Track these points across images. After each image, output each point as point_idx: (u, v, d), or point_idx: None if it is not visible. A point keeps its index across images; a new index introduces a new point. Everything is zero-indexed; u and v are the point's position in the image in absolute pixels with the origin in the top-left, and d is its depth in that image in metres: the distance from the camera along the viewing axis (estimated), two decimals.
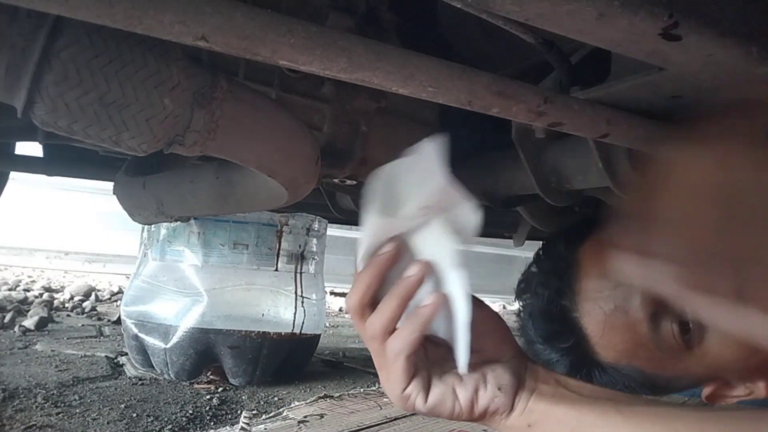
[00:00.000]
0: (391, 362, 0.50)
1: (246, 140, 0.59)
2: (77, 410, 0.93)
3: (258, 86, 0.72)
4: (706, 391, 0.72)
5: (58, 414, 0.90)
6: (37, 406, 0.93)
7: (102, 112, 0.49)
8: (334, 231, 1.73)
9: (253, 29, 0.44)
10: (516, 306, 0.88)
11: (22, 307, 2.07)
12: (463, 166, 1.03)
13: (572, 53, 0.74)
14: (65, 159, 1.29)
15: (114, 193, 1.06)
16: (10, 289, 2.53)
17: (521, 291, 0.85)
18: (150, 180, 0.92)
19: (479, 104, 0.55)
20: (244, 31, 0.43)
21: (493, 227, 1.92)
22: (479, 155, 1.02)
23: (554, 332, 0.78)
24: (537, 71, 0.79)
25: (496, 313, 0.57)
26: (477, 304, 0.52)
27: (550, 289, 0.79)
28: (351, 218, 1.54)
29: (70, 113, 0.49)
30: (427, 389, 0.51)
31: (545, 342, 0.79)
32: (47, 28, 0.46)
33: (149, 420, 0.91)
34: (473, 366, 0.51)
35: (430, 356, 0.53)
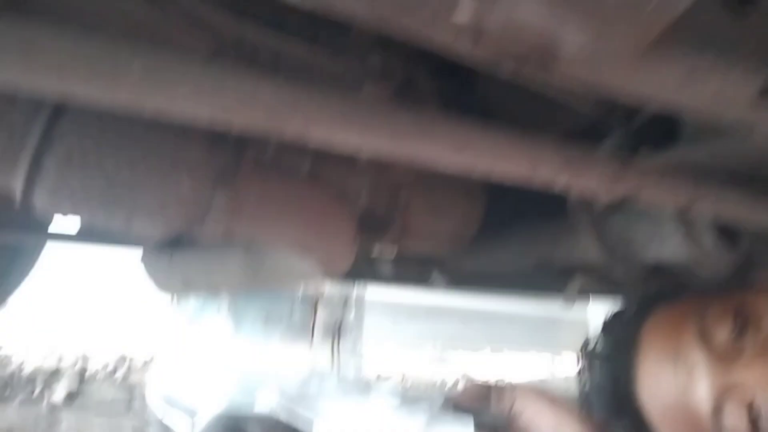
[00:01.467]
0: None
1: (274, 220, 0.53)
2: None
3: (290, 157, 0.66)
4: None
5: None
6: None
7: (110, 197, 0.43)
8: (372, 296, 1.65)
9: (281, 101, 0.37)
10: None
11: (52, 378, 2.03)
12: (516, 234, 0.95)
13: (635, 115, 0.66)
14: (98, 230, 1.26)
15: (141, 264, 1.01)
16: (44, 357, 2.51)
17: (579, 373, 0.79)
18: (176, 252, 0.87)
19: (544, 174, 0.47)
20: (271, 104, 0.37)
21: (540, 288, 1.81)
22: (532, 222, 0.93)
23: (611, 421, 0.71)
24: (588, 133, 0.71)
25: None
26: None
27: (606, 375, 0.73)
28: (395, 282, 1.47)
29: (73, 200, 0.43)
30: None
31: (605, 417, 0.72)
32: (49, 107, 0.41)
33: None
34: None
35: None
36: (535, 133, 0.48)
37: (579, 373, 0.77)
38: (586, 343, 0.78)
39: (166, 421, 1.13)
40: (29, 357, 2.48)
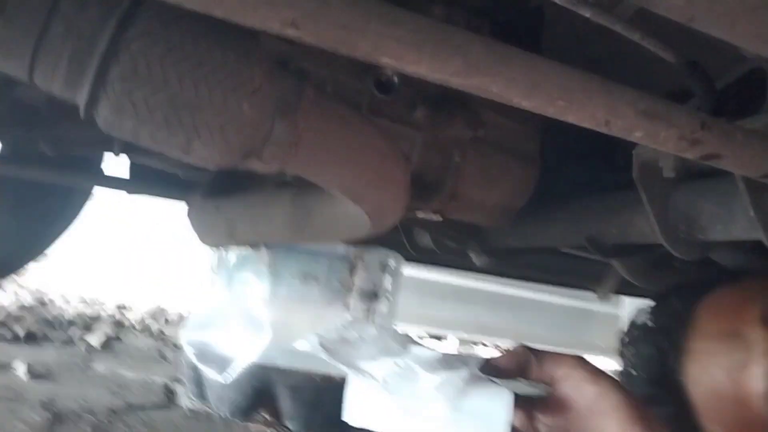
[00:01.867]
0: None
1: (332, 158, 0.51)
2: None
3: (350, 96, 0.65)
4: None
5: None
6: None
7: (172, 115, 0.43)
8: (408, 271, 1.64)
9: (352, 17, 0.36)
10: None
11: (91, 323, 2.10)
12: (567, 208, 0.92)
13: (716, 79, 0.62)
14: (150, 179, 1.27)
15: (187, 215, 1.02)
16: (84, 303, 2.59)
17: (624, 345, 0.79)
18: (224, 202, 0.87)
19: (619, 126, 0.44)
20: (341, 19, 0.35)
21: (575, 277, 1.77)
22: (587, 196, 0.90)
23: (651, 397, 0.69)
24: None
25: None
26: None
27: (654, 347, 0.72)
28: (428, 258, 1.44)
29: (137, 114, 0.42)
30: None
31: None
32: (118, 14, 0.41)
33: None
34: None
35: None
36: (615, 82, 0.45)
37: (624, 344, 0.77)
38: (636, 316, 0.78)
39: (200, 366, 1.15)
40: (70, 302, 2.57)
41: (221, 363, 1.17)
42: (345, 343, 0.54)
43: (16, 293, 2.19)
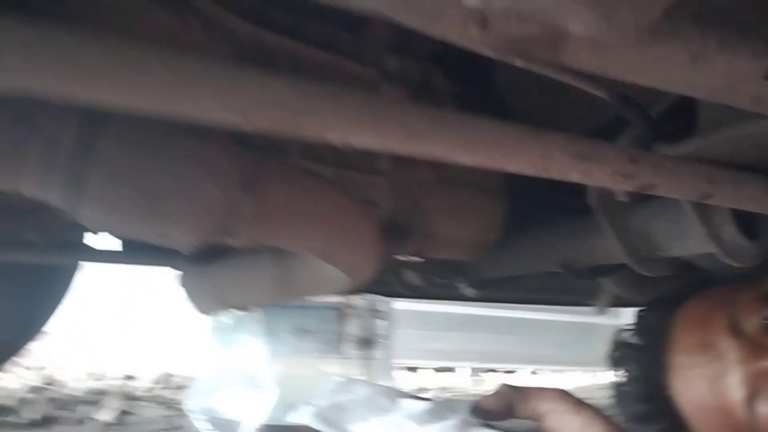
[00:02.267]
0: None
1: (300, 226, 0.55)
2: None
3: (312, 164, 0.69)
4: None
5: None
6: None
7: (146, 209, 0.46)
8: (402, 305, 1.66)
9: (298, 103, 0.40)
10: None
11: (101, 398, 2.10)
12: (535, 236, 0.95)
13: (651, 106, 0.67)
14: (139, 248, 1.30)
15: (181, 285, 1.05)
16: (88, 378, 2.58)
17: (614, 363, 0.81)
18: (210, 269, 0.90)
19: (556, 169, 0.48)
20: (289, 105, 0.39)
21: (572, 295, 1.79)
22: (553, 222, 0.93)
23: (645, 413, 0.72)
24: (607, 130, 0.72)
25: None
26: None
27: (639, 366, 0.74)
28: (422, 294, 1.47)
29: (118, 213, 0.46)
30: None
31: (638, 423, 0.72)
32: (80, 116, 0.44)
33: None
34: None
35: None
36: (546, 130, 0.49)
37: (612, 364, 0.78)
38: (619, 336, 0.80)
39: None
40: (77, 378, 2.56)
41: (230, 427, 1.18)
42: (337, 408, 0.56)
43: (22, 376, 2.19)
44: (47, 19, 0.29)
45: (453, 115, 0.45)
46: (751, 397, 0.60)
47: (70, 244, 1.27)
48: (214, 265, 0.89)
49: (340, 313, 1.18)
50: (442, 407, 0.52)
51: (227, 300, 0.90)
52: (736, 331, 0.62)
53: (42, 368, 2.56)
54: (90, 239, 1.35)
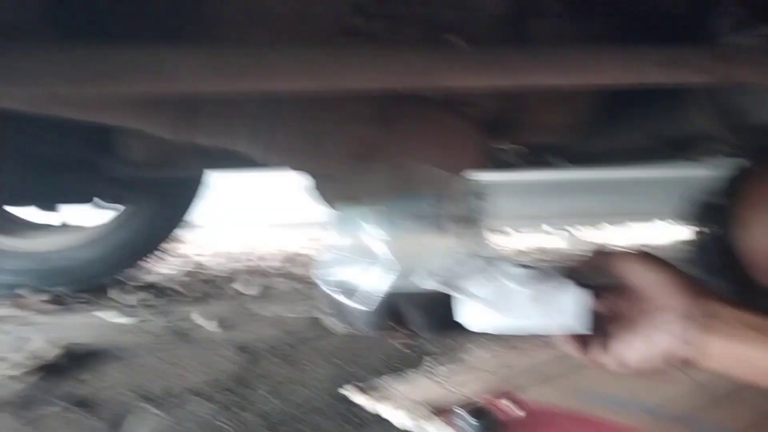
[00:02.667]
0: None
1: (420, 147, 0.70)
2: (306, 366, 1.15)
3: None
4: None
5: (293, 369, 1.13)
6: (275, 364, 1.16)
7: (312, 148, 0.63)
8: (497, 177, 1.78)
9: (426, 66, 0.52)
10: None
11: (242, 276, 2.46)
12: (628, 112, 1.03)
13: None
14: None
15: (314, 186, 1.24)
16: (236, 262, 2.99)
17: (698, 221, 0.88)
18: (339, 176, 1.07)
19: (646, 77, 0.58)
20: (419, 70, 0.52)
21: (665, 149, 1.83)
22: (646, 100, 1.00)
23: (721, 266, 0.81)
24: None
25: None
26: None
27: (721, 223, 0.82)
28: (515, 168, 1.59)
29: (289, 155, 0.62)
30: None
31: (714, 275, 0.82)
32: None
33: (355, 368, 1.11)
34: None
35: None
36: (635, 48, 0.58)
37: (697, 222, 0.85)
38: (704, 196, 0.87)
39: (342, 303, 1.41)
40: (217, 263, 2.98)
41: (356, 294, 1.41)
42: (450, 271, 0.71)
43: (174, 263, 2.58)
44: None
45: (549, 52, 0.56)
46: None
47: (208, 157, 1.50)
48: (344, 173, 1.06)
49: (445, 198, 1.33)
50: (542, 272, 0.63)
51: (355, 197, 1.07)
52: None
53: (190, 256, 2.99)
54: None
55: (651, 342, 0.55)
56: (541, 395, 0.80)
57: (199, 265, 2.78)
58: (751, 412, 0.67)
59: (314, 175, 1.16)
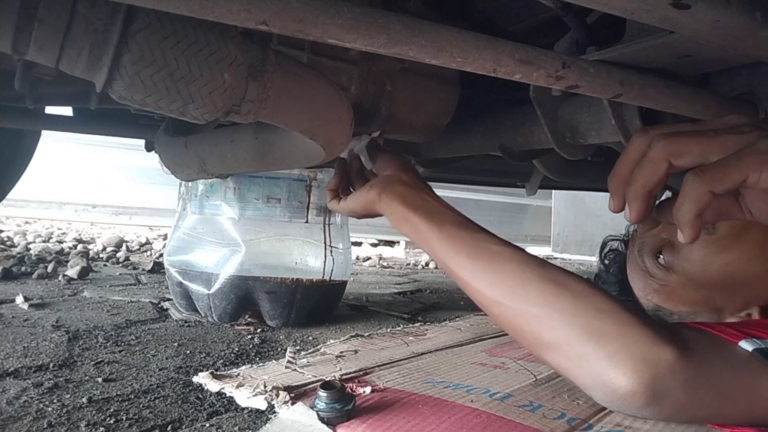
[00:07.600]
0: None
1: (292, 107, 0.66)
2: (136, 348, 1.04)
3: (291, 50, 0.78)
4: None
5: (120, 351, 1.01)
6: (100, 345, 1.03)
7: (172, 87, 0.56)
8: None
9: (306, 13, 0.50)
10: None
11: (60, 257, 2.19)
12: (482, 122, 1.09)
13: (588, 14, 0.78)
14: (93, 118, 1.36)
15: (156, 152, 1.13)
16: (44, 241, 2.65)
17: (602, 260, 1.10)
18: (192, 140, 1.00)
19: (503, 71, 0.61)
20: (298, 15, 0.49)
21: (506, 177, 1.99)
22: (497, 111, 1.07)
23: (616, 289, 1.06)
24: (553, 25, 0.84)
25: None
26: None
27: (618, 264, 1.09)
28: None
29: (145, 89, 0.55)
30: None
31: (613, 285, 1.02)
32: (123, 12, 0.53)
33: (201, 356, 1.02)
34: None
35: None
36: (497, 39, 0.61)
37: (601, 260, 1.11)
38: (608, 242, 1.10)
39: (186, 282, 1.31)
40: (32, 239, 2.63)
41: (205, 278, 1.33)
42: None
43: None
44: None
45: (427, 25, 0.56)
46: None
47: (32, 112, 1.31)
48: (196, 136, 0.99)
49: (306, 184, 1.31)
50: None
51: (208, 169, 1.00)
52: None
53: (4, 231, 2.61)
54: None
55: (360, 197, 0.84)
56: (391, 380, 0.81)
57: (12, 242, 2.43)
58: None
59: (157, 139, 1.07)
